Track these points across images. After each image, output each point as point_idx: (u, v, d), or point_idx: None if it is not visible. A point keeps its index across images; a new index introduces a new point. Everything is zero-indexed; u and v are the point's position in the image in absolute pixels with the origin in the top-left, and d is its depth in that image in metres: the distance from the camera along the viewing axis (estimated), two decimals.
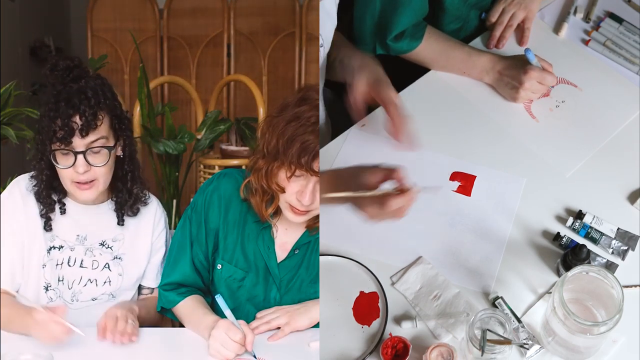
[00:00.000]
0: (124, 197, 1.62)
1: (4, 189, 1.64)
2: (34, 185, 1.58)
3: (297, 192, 1.44)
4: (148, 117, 2.41)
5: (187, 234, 1.61)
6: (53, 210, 1.58)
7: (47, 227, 1.57)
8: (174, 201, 2.42)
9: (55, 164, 1.51)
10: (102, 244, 1.62)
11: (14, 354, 1.36)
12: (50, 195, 1.57)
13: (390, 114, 1.67)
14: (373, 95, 1.70)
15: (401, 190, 1.33)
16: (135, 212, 1.64)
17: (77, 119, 1.46)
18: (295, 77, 3.58)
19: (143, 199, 1.66)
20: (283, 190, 1.45)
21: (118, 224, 1.63)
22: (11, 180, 1.63)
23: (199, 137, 2.48)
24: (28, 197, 1.58)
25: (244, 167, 2.48)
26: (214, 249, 1.61)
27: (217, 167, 2.59)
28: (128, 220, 1.64)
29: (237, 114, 3.49)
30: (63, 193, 1.59)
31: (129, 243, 1.64)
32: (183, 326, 1.60)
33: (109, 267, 1.62)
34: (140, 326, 1.56)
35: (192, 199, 1.65)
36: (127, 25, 3.54)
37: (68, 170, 1.50)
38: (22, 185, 1.59)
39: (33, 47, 3.62)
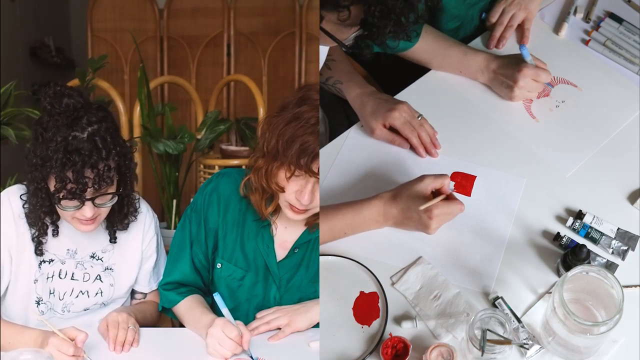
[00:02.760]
0: (116, 217, 1.59)
1: (4, 189, 1.63)
2: (26, 208, 1.53)
3: (296, 191, 1.44)
4: (148, 117, 2.41)
5: (186, 234, 1.61)
6: (46, 234, 1.55)
7: (38, 251, 1.54)
8: (174, 201, 2.42)
9: (59, 207, 1.45)
10: (92, 257, 1.61)
11: (14, 354, 1.36)
12: (44, 219, 1.53)
13: (415, 144, 1.71)
14: (391, 140, 1.74)
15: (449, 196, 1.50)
16: (125, 227, 1.63)
17: (89, 172, 1.39)
18: (295, 77, 3.58)
19: (134, 213, 1.63)
20: (283, 190, 1.45)
21: (110, 241, 1.62)
22: (11, 180, 1.63)
23: (199, 137, 2.48)
24: (19, 211, 1.54)
25: (244, 167, 2.48)
26: (213, 248, 1.61)
27: (217, 167, 2.59)
28: (118, 232, 1.62)
29: (237, 114, 3.49)
30: (57, 215, 1.54)
31: (119, 253, 1.64)
32: (183, 326, 1.60)
33: (100, 279, 1.61)
34: (140, 326, 1.56)
35: (192, 199, 1.65)
36: (127, 25, 3.54)
37: (73, 211, 1.45)
38: (13, 198, 1.54)
39: (33, 47, 3.62)
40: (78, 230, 1.52)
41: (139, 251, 1.66)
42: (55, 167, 1.38)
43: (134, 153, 1.55)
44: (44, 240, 1.55)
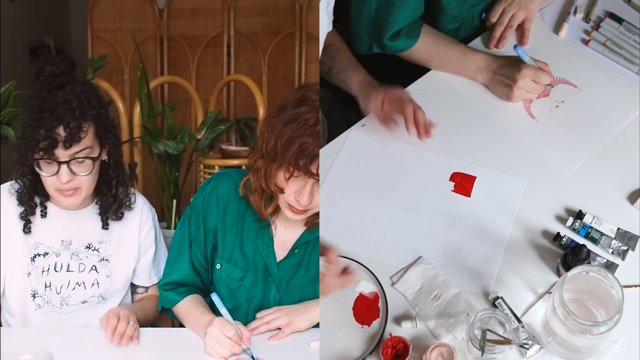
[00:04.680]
0: (108, 201, 1.61)
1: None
2: (17, 190, 1.56)
3: (295, 192, 1.44)
4: (148, 117, 2.41)
5: (185, 234, 1.61)
6: (34, 213, 1.57)
7: (27, 229, 1.56)
8: (174, 201, 2.42)
9: (38, 171, 1.49)
10: (88, 247, 1.61)
11: (14, 354, 1.36)
12: (33, 198, 1.56)
13: (407, 116, 1.70)
14: (387, 108, 1.73)
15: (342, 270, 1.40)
16: (119, 217, 1.63)
17: (60, 130, 1.43)
18: (295, 77, 3.58)
19: (128, 203, 1.64)
20: (282, 191, 1.45)
21: (102, 227, 1.62)
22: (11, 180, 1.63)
23: (199, 137, 2.48)
24: (8, 205, 1.57)
25: (243, 167, 2.48)
26: (212, 248, 1.61)
27: (217, 167, 2.59)
28: (113, 223, 1.64)
29: (237, 114, 3.49)
30: (46, 197, 1.57)
31: (115, 244, 1.64)
32: (183, 326, 1.60)
33: (96, 269, 1.62)
34: (140, 326, 1.56)
35: (191, 199, 1.65)
36: (127, 25, 3.54)
37: (51, 177, 1.48)
38: (5, 194, 1.58)
39: (33, 47, 3.61)
40: (63, 205, 1.55)
41: (136, 243, 1.66)
42: (29, 125, 1.43)
43: (117, 123, 1.60)
44: (32, 220, 1.56)
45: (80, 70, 2.46)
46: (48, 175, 1.48)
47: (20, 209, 1.56)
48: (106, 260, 1.63)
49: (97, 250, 1.62)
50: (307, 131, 1.39)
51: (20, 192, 1.56)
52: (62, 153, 1.45)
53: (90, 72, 2.39)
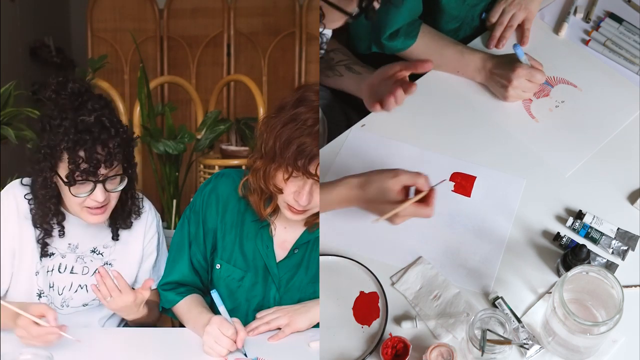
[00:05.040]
0: (119, 214, 1.60)
1: (3, 188, 1.63)
2: (32, 210, 1.54)
3: (294, 192, 1.44)
4: (148, 117, 2.41)
5: (185, 234, 1.61)
6: (51, 235, 1.56)
7: (44, 252, 1.55)
8: (174, 201, 2.42)
9: (67, 192, 1.46)
10: (93, 251, 1.61)
11: (14, 354, 1.36)
12: (50, 221, 1.54)
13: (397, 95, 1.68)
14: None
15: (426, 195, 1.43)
16: (128, 225, 1.63)
17: (99, 149, 1.43)
18: (295, 77, 3.59)
19: (137, 212, 1.64)
20: (281, 191, 1.45)
21: (113, 239, 1.62)
22: (11, 180, 1.63)
23: (199, 137, 2.49)
24: (22, 205, 1.55)
25: (243, 167, 2.48)
26: (212, 249, 1.61)
27: (217, 167, 2.60)
28: (121, 231, 1.63)
29: (237, 114, 3.50)
30: (62, 215, 1.56)
31: (120, 248, 1.64)
32: (183, 326, 1.60)
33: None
34: (140, 326, 1.56)
35: (191, 199, 1.65)
36: (127, 25, 3.54)
37: (81, 197, 1.46)
38: (17, 193, 1.56)
39: (33, 47, 3.62)
40: (87, 222, 1.53)
41: (140, 248, 1.66)
42: (67, 148, 1.41)
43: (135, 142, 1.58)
44: (49, 242, 1.56)
45: (80, 70, 2.47)
46: (83, 195, 1.46)
47: (38, 233, 1.54)
48: (109, 264, 1.62)
49: (101, 254, 1.62)
50: (305, 131, 1.38)
51: (38, 216, 1.53)
52: (102, 172, 1.45)
53: (90, 72, 2.40)
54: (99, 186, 1.46)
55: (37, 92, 3.03)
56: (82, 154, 1.41)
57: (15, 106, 2.18)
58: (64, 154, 1.43)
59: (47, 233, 1.55)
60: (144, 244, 1.67)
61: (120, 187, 1.50)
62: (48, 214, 1.53)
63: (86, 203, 1.48)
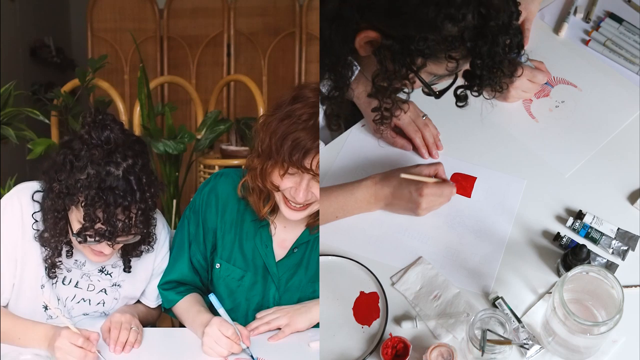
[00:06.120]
0: (130, 248, 1.53)
1: (3, 188, 1.62)
2: (39, 225, 1.45)
3: (291, 188, 1.44)
4: (148, 117, 2.42)
5: (185, 234, 1.61)
6: (59, 255, 1.47)
7: (52, 273, 1.47)
8: (174, 201, 2.42)
9: (78, 242, 1.39)
10: (101, 271, 1.56)
11: (14, 354, 1.36)
12: (58, 246, 1.46)
13: (418, 145, 1.70)
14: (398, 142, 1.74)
15: (444, 181, 1.54)
16: (139, 255, 1.56)
17: (120, 214, 1.32)
18: (295, 77, 3.59)
19: (151, 244, 1.55)
20: (277, 189, 1.45)
21: (124, 270, 1.56)
22: (11, 180, 1.62)
23: (199, 137, 2.49)
24: (27, 212, 1.46)
25: (243, 167, 2.48)
26: (212, 248, 1.61)
27: (217, 167, 2.60)
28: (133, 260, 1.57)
29: (237, 114, 3.50)
30: (71, 245, 1.48)
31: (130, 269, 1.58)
32: (183, 326, 1.60)
33: (105, 292, 1.57)
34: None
35: (191, 199, 1.65)
36: (127, 25, 3.55)
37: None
38: (23, 198, 1.47)
39: (33, 47, 3.62)
40: (92, 260, 1.47)
41: (151, 268, 1.62)
42: (86, 205, 1.30)
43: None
44: (57, 262, 1.48)
45: (80, 70, 2.47)
46: (91, 245, 1.39)
47: (45, 252, 1.46)
48: (118, 285, 1.58)
49: (109, 274, 1.57)
50: (300, 126, 1.38)
51: (50, 238, 1.44)
52: (118, 239, 1.36)
53: (90, 72, 2.40)
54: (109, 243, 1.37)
55: (37, 92, 3.04)
56: (100, 214, 1.30)
57: (15, 106, 2.18)
58: (80, 205, 1.33)
59: (56, 253, 1.47)
60: (154, 264, 1.62)
61: (133, 241, 1.42)
62: (58, 242, 1.45)
63: (92, 246, 1.41)
